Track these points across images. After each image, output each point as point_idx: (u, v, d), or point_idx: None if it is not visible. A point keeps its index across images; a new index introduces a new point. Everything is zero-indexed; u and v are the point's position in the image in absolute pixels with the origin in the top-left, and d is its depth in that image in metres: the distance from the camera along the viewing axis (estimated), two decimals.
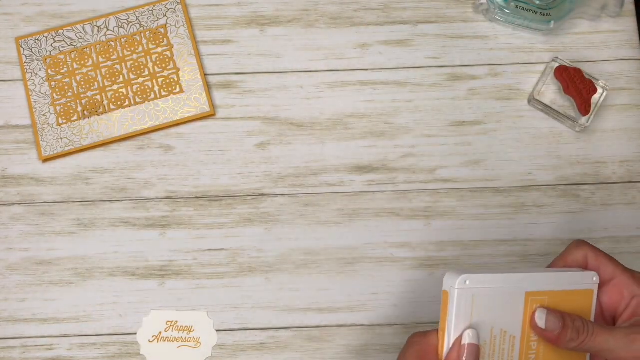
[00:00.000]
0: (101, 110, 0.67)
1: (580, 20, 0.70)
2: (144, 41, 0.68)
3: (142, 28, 0.69)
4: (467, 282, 0.43)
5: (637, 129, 0.67)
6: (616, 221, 0.65)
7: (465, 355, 0.43)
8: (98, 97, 0.67)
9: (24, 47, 0.68)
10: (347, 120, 0.67)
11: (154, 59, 0.68)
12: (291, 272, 0.64)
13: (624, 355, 0.46)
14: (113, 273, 0.64)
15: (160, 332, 0.62)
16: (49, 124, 0.66)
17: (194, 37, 0.69)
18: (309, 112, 0.67)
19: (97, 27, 0.69)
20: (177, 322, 0.62)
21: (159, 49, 0.68)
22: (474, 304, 0.44)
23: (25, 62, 0.68)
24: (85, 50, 0.68)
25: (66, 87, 0.67)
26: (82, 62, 0.68)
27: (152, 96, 0.67)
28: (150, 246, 0.64)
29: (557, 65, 0.67)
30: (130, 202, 0.65)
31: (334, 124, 0.67)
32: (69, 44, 0.68)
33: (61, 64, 0.68)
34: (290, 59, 0.69)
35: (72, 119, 0.66)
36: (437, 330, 0.45)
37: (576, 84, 0.66)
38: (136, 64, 0.68)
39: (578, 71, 0.66)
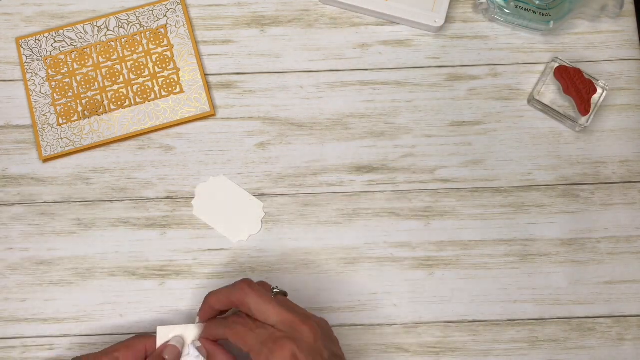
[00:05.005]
0: (101, 110, 0.67)
1: (580, 21, 0.70)
2: (144, 41, 0.68)
3: (142, 28, 0.69)
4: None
5: (637, 129, 0.67)
6: (616, 221, 0.65)
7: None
8: (98, 97, 0.67)
9: (24, 47, 0.68)
10: (347, 120, 0.67)
11: (154, 59, 0.68)
12: (291, 272, 0.64)
13: None
14: (113, 273, 0.64)
15: None
16: (49, 124, 0.66)
17: (194, 37, 0.69)
18: (309, 112, 0.67)
19: (97, 27, 0.69)
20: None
21: (159, 49, 0.68)
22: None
23: (25, 62, 0.68)
24: (85, 50, 0.68)
25: (66, 87, 0.67)
26: (83, 62, 0.68)
27: (152, 96, 0.67)
28: (150, 246, 0.64)
29: (557, 65, 0.67)
30: (130, 202, 0.65)
31: (334, 124, 0.67)
32: (69, 44, 0.68)
33: (61, 64, 0.68)
34: (290, 59, 0.69)
35: (73, 119, 0.66)
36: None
37: (576, 84, 0.66)
38: (136, 64, 0.68)
39: (578, 71, 0.66)
